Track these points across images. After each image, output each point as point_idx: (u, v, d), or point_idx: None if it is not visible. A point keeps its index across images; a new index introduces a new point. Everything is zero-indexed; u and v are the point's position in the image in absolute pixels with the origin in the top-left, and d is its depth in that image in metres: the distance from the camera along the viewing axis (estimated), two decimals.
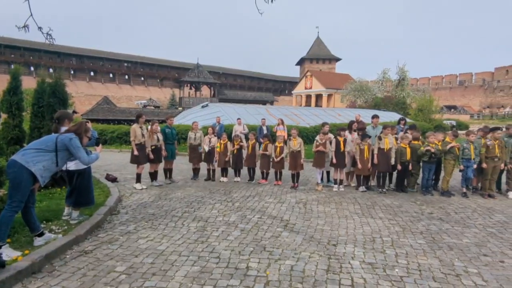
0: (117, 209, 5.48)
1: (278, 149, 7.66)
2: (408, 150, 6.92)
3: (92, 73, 56.48)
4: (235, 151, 8.09)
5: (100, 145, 4.58)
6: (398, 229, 4.74)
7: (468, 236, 4.48)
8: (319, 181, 7.45)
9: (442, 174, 7.16)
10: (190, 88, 50.36)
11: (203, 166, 8.44)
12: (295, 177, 7.47)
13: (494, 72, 53.01)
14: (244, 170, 8.35)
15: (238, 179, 8.19)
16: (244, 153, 8.29)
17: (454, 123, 26.06)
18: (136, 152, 6.87)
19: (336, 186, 7.35)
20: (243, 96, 56.96)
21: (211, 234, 4.41)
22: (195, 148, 8.28)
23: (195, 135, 8.30)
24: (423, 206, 6.03)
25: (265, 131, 11.37)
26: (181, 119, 18.71)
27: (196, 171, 8.38)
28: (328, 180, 7.92)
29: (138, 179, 7.10)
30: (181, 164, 9.82)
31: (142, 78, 61.70)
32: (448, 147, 6.74)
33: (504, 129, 7.38)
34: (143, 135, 6.95)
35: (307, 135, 16.27)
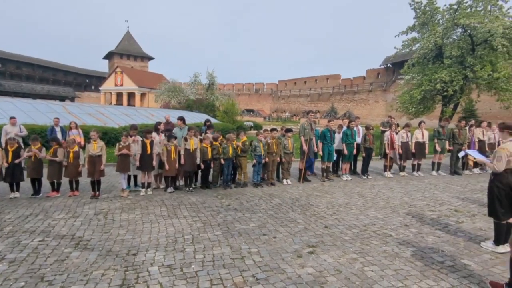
0: None
1: (71, 154, 6.56)
2: (210, 149, 7.53)
3: None
4: (9, 160, 6.31)
5: None
6: (200, 225, 5.04)
7: (254, 220, 5.32)
8: (125, 187, 6.93)
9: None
10: None
11: None
12: (95, 185, 6.63)
13: (278, 84, 66.93)
14: (27, 183, 6.68)
15: (16, 194, 6.46)
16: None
17: (252, 124, 30.88)
18: None
19: (143, 190, 7.06)
20: (30, 90, 46.13)
21: None
22: None
23: None
24: (223, 199, 6.71)
25: (58, 133, 9.52)
26: None
27: None
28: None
29: None
30: None
31: None
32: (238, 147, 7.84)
33: (279, 130, 9.34)
34: None
35: (116, 136, 14.92)
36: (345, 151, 8.82)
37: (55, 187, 6.77)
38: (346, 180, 8.84)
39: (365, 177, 9.13)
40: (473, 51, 17.29)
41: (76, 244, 4.15)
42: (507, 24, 15.95)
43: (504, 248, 4.06)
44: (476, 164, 10.11)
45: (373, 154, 9.92)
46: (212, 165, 7.71)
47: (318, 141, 8.83)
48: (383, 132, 11.26)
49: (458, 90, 17.73)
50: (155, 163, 7.16)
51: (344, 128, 9.05)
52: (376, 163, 11.17)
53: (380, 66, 47.50)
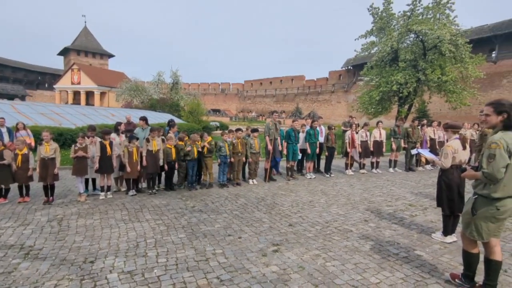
0: None
1: (20, 157, 6.08)
2: (173, 150, 7.36)
3: None
4: None
5: None
6: (163, 228, 4.91)
7: (219, 221, 5.28)
8: (82, 191, 6.56)
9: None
10: None
11: None
12: (49, 190, 6.21)
13: (244, 84, 67.06)
14: None
15: None
16: None
17: (218, 124, 30.63)
18: None
19: (103, 193, 6.73)
20: None
21: None
22: None
23: None
24: (188, 201, 6.59)
25: (4, 134, 8.77)
26: None
27: None
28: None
29: None
30: None
31: None
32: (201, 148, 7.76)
33: (244, 130, 9.35)
34: None
35: (73, 137, 14.08)
36: (309, 150, 9.06)
37: (3, 193, 6.24)
38: (310, 178, 9.07)
39: (328, 175, 9.42)
40: (425, 55, 18.54)
41: (25, 254, 3.86)
42: (453, 32, 17.30)
43: (451, 238, 4.40)
44: (428, 161, 10.84)
45: (335, 153, 10.28)
46: (176, 166, 7.54)
47: (283, 140, 8.98)
48: (345, 131, 11.72)
49: (412, 92, 18.92)
50: (115, 165, 6.86)
51: (307, 127, 9.28)
52: (339, 162, 11.58)
53: (342, 68, 49.35)
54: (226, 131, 8.65)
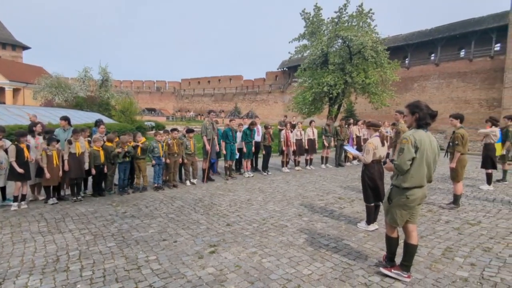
0: None
1: None
2: (102, 152, 6.81)
3: None
4: None
5: None
6: (89, 238, 4.50)
7: (154, 226, 5.03)
8: None
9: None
10: None
11: None
12: None
13: (181, 82, 65.08)
14: None
15: None
16: None
17: (153, 124, 29.20)
18: None
19: (15, 204, 5.92)
20: None
21: None
22: None
23: None
24: (119, 206, 6.15)
25: None
26: None
27: None
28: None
29: None
30: None
31: None
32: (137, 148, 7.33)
33: (180, 130, 9.08)
34: None
35: None
36: (244, 149, 9.18)
37: None
38: (248, 177, 9.20)
39: (265, 173, 9.66)
40: (351, 59, 20.16)
41: None
42: (374, 39, 19.13)
43: (373, 226, 4.84)
44: (354, 157, 11.82)
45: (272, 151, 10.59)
46: (105, 169, 6.98)
47: (221, 140, 8.94)
48: (280, 130, 12.13)
49: (340, 93, 20.43)
50: (31, 171, 6.08)
51: (244, 127, 9.39)
52: (276, 160, 11.95)
53: (278, 69, 51.03)
54: (160, 131, 8.26)
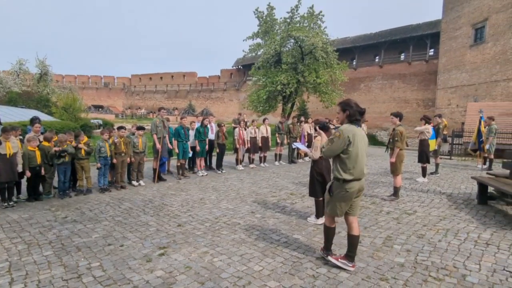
0: None
1: None
2: (38, 153, 6.22)
3: None
4: None
5: None
6: (22, 247, 4.09)
7: (98, 230, 4.72)
8: None
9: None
10: None
11: None
12: None
13: (131, 78, 61.94)
14: None
15: None
16: None
17: (101, 122, 27.44)
18: None
19: None
20: None
21: None
22: None
23: None
24: (59, 211, 5.67)
25: None
26: None
27: None
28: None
29: None
30: None
31: None
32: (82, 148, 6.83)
33: (129, 127, 8.64)
34: None
35: None
36: (197, 148, 9.02)
37: None
38: (202, 176, 9.05)
39: (219, 172, 9.58)
40: (303, 59, 20.81)
41: None
42: (324, 40, 19.95)
43: (322, 220, 5.04)
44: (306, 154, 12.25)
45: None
46: (43, 171, 6.39)
47: (173, 138, 8.68)
48: (235, 128, 12.12)
49: (293, 92, 21.00)
50: None
51: (197, 125, 9.22)
52: (230, 158, 11.92)
53: (233, 67, 50.92)
54: (106, 130, 7.77)
